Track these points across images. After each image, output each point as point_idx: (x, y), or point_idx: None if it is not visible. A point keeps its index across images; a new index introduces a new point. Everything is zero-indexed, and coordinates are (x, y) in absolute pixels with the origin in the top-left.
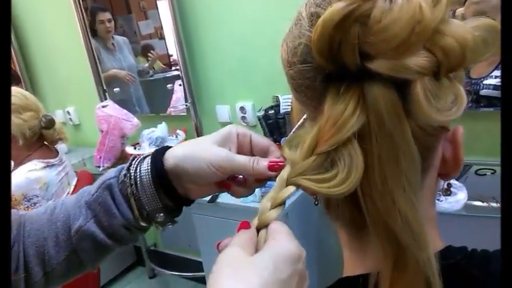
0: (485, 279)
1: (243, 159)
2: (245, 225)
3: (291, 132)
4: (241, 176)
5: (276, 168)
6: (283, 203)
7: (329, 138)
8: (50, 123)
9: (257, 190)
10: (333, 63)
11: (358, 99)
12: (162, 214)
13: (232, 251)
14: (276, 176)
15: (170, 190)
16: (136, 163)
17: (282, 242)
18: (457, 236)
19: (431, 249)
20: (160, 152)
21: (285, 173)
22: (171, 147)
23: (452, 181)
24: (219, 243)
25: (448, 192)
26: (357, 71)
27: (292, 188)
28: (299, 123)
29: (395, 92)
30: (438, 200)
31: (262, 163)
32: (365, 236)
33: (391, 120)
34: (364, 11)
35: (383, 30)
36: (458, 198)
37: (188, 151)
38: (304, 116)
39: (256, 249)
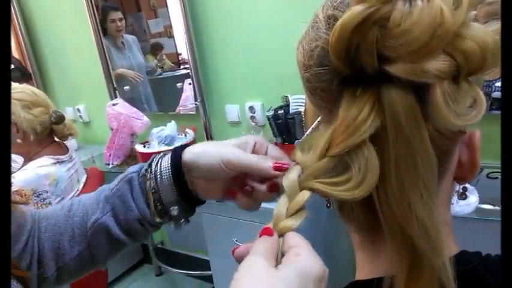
0: (499, 285)
1: (250, 156)
2: (268, 232)
3: (305, 135)
4: (248, 187)
5: (279, 168)
6: (302, 209)
7: (342, 141)
8: (60, 118)
9: None
10: (350, 67)
11: (374, 102)
12: (177, 207)
13: (256, 260)
14: (277, 177)
15: (185, 185)
16: (158, 158)
17: (308, 260)
18: (468, 240)
19: (447, 254)
20: (181, 148)
21: (295, 176)
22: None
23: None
24: (234, 249)
25: (463, 196)
26: (374, 74)
27: (307, 193)
28: (313, 125)
29: (413, 95)
30: None
31: (268, 163)
32: (379, 240)
33: (409, 125)
34: (384, 14)
35: (403, 34)
36: (469, 201)
37: (205, 147)
38: (319, 119)
39: (277, 260)
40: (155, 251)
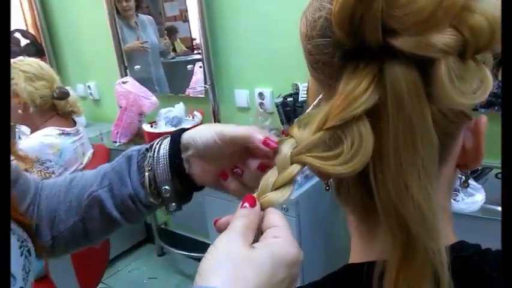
0: (496, 276)
1: (243, 127)
2: (251, 201)
3: (305, 112)
4: (238, 169)
5: (267, 143)
6: (290, 183)
7: (338, 113)
8: (63, 94)
9: None
10: (353, 39)
11: (374, 76)
12: (168, 187)
13: (234, 239)
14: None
15: (181, 167)
16: (161, 138)
17: (284, 244)
18: (471, 238)
19: (443, 241)
20: (183, 130)
21: (287, 150)
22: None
23: (471, 182)
24: (216, 220)
25: (465, 184)
26: (377, 48)
27: (297, 167)
28: (314, 102)
29: (417, 72)
30: (455, 200)
31: (259, 135)
32: (375, 223)
33: (411, 102)
34: None
35: (409, 3)
36: (475, 199)
37: (204, 126)
38: (320, 96)
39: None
40: (158, 231)
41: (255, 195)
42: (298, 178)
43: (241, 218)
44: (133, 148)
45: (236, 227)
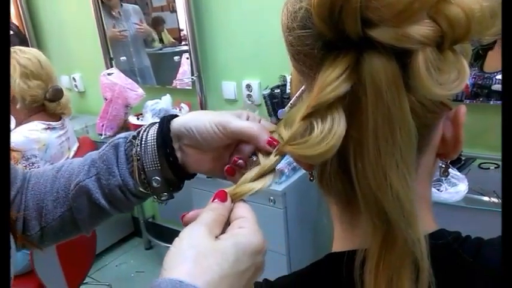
0: (475, 262)
1: (246, 122)
2: (222, 197)
3: (288, 104)
4: (241, 161)
5: (272, 143)
6: (268, 173)
7: (311, 102)
8: (55, 96)
9: None
10: (333, 30)
11: (348, 65)
12: (158, 178)
13: (199, 231)
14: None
15: (171, 155)
16: (147, 126)
17: (247, 234)
18: (454, 227)
19: (422, 229)
20: (171, 116)
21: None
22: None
23: (454, 172)
24: (184, 215)
25: (445, 173)
26: (357, 39)
27: (274, 158)
28: (296, 94)
29: (396, 63)
30: (438, 190)
31: (265, 134)
32: (356, 212)
33: (390, 92)
34: None
35: None
36: (458, 189)
37: (196, 114)
38: (302, 88)
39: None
40: (146, 224)
41: (227, 189)
42: (286, 170)
43: (210, 211)
44: (120, 135)
45: (203, 219)
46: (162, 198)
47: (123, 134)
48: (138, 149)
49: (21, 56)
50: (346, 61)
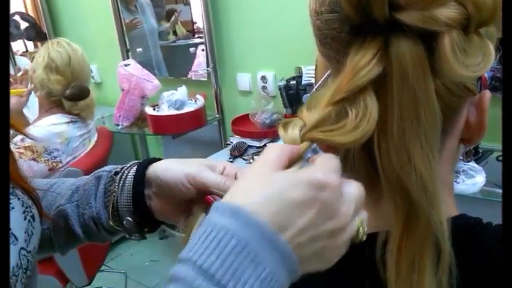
0: (497, 247)
1: (217, 176)
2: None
3: (313, 89)
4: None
5: None
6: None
7: (344, 86)
8: (73, 96)
9: None
10: (360, 14)
11: (378, 49)
12: (129, 219)
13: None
14: None
15: (142, 199)
16: (132, 164)
17: (312, 167)
18: None
19: (444, 212)
20: (151, 161)
21: (296, 131)
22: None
23: (472, 164)
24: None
25: (468, 158)
26: (384, 22)
27: (305, 144)
28: (322, 78)
29: (422, 46)
30: (455, 181)
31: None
32: (378, 194)
33: (416, 75)
34: None
35: None
36: (476, 181)
37: (171, 163)
38: (328, 72)
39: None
40: None
41: None
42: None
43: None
44: (105, 168)
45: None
46: (133, 238)
47: (108, 167)
48: (116, 187)
49: (53, 48)
50: (376, 44)
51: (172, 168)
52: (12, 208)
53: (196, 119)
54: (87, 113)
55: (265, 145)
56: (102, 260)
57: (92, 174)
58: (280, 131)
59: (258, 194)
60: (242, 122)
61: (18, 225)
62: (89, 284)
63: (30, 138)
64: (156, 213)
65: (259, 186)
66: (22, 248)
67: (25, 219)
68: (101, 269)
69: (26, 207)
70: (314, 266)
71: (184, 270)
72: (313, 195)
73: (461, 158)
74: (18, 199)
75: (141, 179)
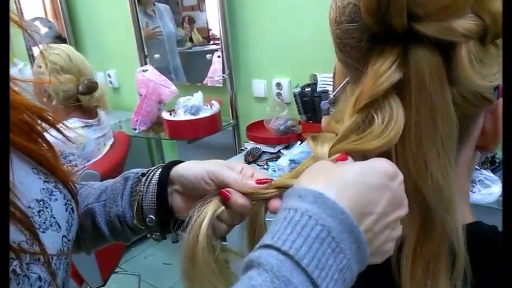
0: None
1: (236, 174)
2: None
3: (332, 95)
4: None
5: (262, 181)
6: None
7: (367, 92)
8: (88, 89)
9: None
10: (379, 24)
11: (398, 55)
12: (152, 217)
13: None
14: (263, 187)
15: (163, 198)
16: (159, 166)
17: (375, 160)
18: None
19: (460, 218)
20: (175, 163)
21: (324, 150)
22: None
23: (488, 173)
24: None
25: (485, 166)
26: (402, 32)
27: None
28: (341, 85)
29: (440, 56)
30: (471, 191)
31: (251, 181)
32: None
33: (433, 84)
34: None
35: None
36: (492, 191)
37: (193, 163)
38: (347, 79)
39: None
40: (173, 219)
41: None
42: None
43: None
44: (133, 170)
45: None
46: (154, 236)
47: (135, 170)
48: (142, 187)
49: (50, 52)
50: (395, 53)
51: (194, 166)
52: (56, 200)
53: (212, 124)
54: (103, 103)
55: (279, 151)
56: (117, 262)
57: (121, 175)
58: (310, 143)
59: (337, 181)
60: (256, 128)
61: (60, 215)
62: (104, 285)
63: (64, 136)
64: (177, 211)
65: (335, 173)
66: (64, 236)
67: (66, 210)
68: (115, 271)
69: (67, 200)
70: (376, 258)
71: (268, 257)
72: (386, 183)
73: (477, 167)
74: (60, 192)
75: (165, 178)
